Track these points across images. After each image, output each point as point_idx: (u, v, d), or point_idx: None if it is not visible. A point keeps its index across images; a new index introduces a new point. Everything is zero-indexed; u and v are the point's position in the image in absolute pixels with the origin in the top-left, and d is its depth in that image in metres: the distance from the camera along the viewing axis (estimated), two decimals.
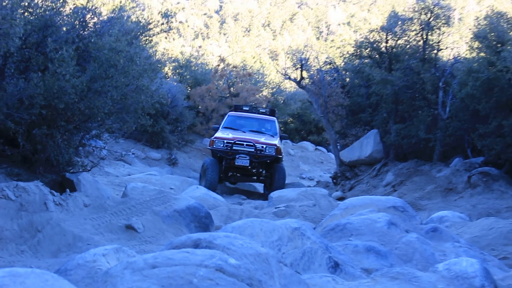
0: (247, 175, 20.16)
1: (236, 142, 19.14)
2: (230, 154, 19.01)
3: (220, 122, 22.75)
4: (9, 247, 7.30)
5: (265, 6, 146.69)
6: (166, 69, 32.55)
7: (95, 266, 4.27)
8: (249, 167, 19.14)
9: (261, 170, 19.64)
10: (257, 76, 39.77)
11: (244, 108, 23.15)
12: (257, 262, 4.42)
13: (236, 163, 19.04)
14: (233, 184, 21.27)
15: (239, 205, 14.84)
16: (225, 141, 19.23)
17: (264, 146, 19.19)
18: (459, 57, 19.48)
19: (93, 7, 11.19)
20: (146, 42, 13.30)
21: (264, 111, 23.14)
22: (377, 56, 21.85)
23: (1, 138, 10.14)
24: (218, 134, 20.06)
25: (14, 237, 7.48)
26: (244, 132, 20.68)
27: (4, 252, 7.14)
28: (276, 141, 19.88)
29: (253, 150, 19.07)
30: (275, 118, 22.55)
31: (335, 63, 25.80)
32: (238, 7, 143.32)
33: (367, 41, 21.95)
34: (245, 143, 19.17)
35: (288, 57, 25.65)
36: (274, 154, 19.18)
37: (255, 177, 20.26)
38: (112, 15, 11.89)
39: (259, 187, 22.30)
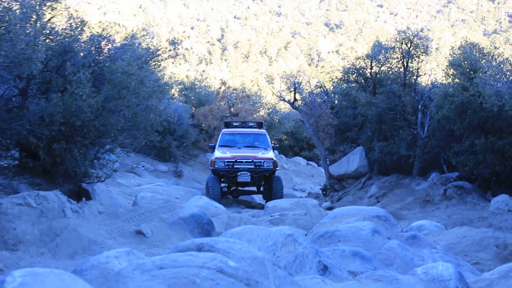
0: (248, 188, 20.00)
1: (237, 160, 18.85)
2: (232, 172, 18.74)
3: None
4: (31, 249, 7.29)
5: (262, 35, 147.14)
6: (173, 90, 32.57)
7: (108, 267, 4.26)
8: (250, 181, 18.92)
9: (261, 182, 19.45)
10: (254, 98, 39.72)
11: (234, 124, 22.60)
12: (254, 264, 4.41)
13: (238, 180, 18.78)
14: (235, 197, 21.02)
15: (238, 213, 14.77)
16: (226, 160, 18.94)
17: (262, 161, 19.00)
18: (436, 83, 19.54)
19: (108, 35, 11.24)
20: (155, 67, 13.36)
21: (252, 124, 22.56)
22: (362, 81, 21.86)
23: (24, 151, 10.17)
24: (217, 154, 19.66)
25: (35, 240, 7.47)
26: (239, 148, 20.41)
27: (26, 254, 7.13)
28: (271, 155, 19.67)
29: (253, 166, 18.81)
30: (264, 131, 22.16)
31: (325, 86, 25.85)
32: (238, 36, 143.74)
33: (354, 67, 21.98)
34: (244, 160, 18.91)
35: (282, 81, 25.61)
36: (272, 167, 18.99)
37: (255, 189, 20.13)
38: (125, 42, 11.94)
39: (257, 198, 22.17)
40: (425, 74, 20.50)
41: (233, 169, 18.77)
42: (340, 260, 6.37)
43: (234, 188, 19.77)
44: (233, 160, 18.90)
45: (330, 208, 17.05)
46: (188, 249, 4.59)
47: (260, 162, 18.94)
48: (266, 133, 21.70)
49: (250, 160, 18.91)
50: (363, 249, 6.74)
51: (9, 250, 7.04)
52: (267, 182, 19.47)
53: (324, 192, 23.12)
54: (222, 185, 19.36)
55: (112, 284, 3.87)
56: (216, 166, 18.95)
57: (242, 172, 18.72)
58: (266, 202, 18.81)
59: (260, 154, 19.50)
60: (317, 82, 27.18)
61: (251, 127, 22.26)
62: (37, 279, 3.09)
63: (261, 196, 21.31)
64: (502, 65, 13.80)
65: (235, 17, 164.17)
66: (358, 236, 7.11)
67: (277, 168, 19.51)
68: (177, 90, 35.40)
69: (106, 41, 11.23)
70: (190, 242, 4.82)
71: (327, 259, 6.02)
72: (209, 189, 18.42)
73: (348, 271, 6.09)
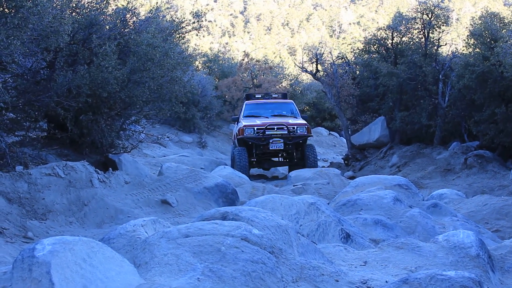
0: (279, 158, 18.54)
1: (268, 127, 17.11)
2: (263, 139, 17.00)
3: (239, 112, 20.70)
4: (59, 218, 7.36)
5: (284, 8, 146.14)
6: (197, 63, 32.44)
7: (135, 236, 4.28)
8: (283, 149, 17.43)
9: (293, 151, 17.88)
10: (277, 69, 39.57)
11: (257, 96, 21.05)
12: (277, 232, 4.42)
13: (270, 148, 17.12)
14: (266, 169, 19.55)
15: (262, 183, 14.76)
16: (256, 127, 17.18)
17: (295, 127, 17.40)
18: (457, 53, 19.35)
19: (133, 8, 11.26)
20: (179, 39, 13.34)
21: (276, 96, 21.31)
22: (384, 51, 21.72)
23: (52, 123, 10.25)
24: (245, 122, 17.84)
25: (63, 210, 7.55)
26: (267, 117, 18.42)
27: (55, 223, 7.21)
28: (304, 121, 18.30)
29: (286, 132, 17.09)
30: (291, 100, 21.21)
31: (346, 57, 25.62)
32: (261, 8, 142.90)
33: (375, 38, 21.82)
34: (276, 126, 17.20)
35: (304, 53, 25.48)
36: (306, 133, 17.51)
37: (288, 160, 18.49)
38: (149, 15, 11.94)
39: (280, 168, 21.65)
40: (445, 44, 20.37)
41: (265, 136, 17.06)
42: (362, 228, 6.38)
43: (265, 158, 18.19)
44: (264, 126, 17.18)
45: (352, 178, 16.94)
46: (213, 218, 4.61)
47: (293, 127, 17.43)
48: (293, 102, 20.71)
49: (283, 126, 17.29)
50: (385, 217, 6.74)
51: (39, 219, 7.11)
52: (299, 151, 17.98)
53: (346, 162, 23.08)
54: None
55: (139, 252, 3.90)
56: (245, 134, 17.19)
57: (274, 139, 17.06)
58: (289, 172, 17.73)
59: (290, 121, 18.01)
60: (339, 53, 26.95)
61: (275, 98, 20.98)
62: (66, 247, 3.12)
63: (285, 167, 19.88)
64: None
65: None
66: (380, 205, 7.11)
67: (311, 135, 18.47)
68: (201, 62, 35.37)
69: (131, 14, 11.25)
70: (215, 211, 4.84)
71: (349, 227, 6.02)
72: (235, 163, 16.85)
73: (370, 239, 6.09)
